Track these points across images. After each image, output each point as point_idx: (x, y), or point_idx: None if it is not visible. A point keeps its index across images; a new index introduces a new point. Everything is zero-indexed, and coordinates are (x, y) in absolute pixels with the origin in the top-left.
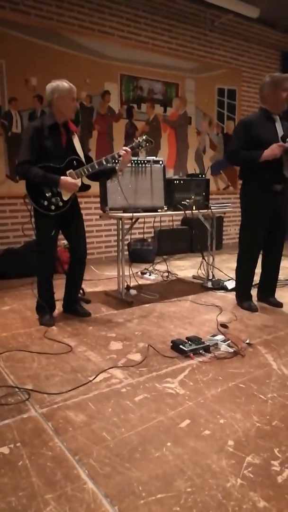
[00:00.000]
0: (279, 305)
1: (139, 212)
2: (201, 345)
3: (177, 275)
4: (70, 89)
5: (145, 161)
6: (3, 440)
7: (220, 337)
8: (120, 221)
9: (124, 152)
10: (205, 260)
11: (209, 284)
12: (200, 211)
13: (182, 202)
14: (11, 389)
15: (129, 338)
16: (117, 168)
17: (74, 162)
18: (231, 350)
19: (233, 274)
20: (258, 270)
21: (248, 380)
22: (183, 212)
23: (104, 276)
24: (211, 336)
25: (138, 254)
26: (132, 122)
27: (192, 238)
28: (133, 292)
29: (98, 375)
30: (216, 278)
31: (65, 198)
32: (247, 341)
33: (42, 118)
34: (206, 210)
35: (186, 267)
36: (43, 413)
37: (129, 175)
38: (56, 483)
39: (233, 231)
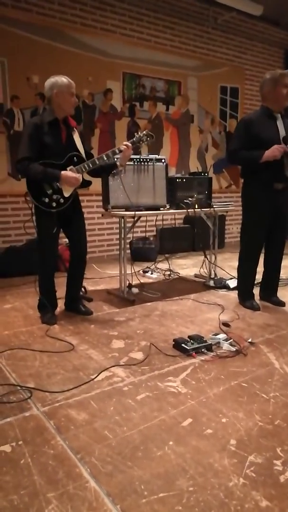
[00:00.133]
0: (282, 304)
1: (141, 210)
2: (203, 344)
3: (179, 273)
4: (69, 84)
5: (148, 159)
6: (5, 438)
7: (222, 336)
8: (122, 220)
9: (125, 147)
10: (207, 259)
11: (211, 283)
12: (203, 209)
13: (185, 201)
14: (13, 387)
15: (131, 337)
16: (118, 163)
17: (75, 158)
18: (233, 349)
19: (235, 273)
20: (261, 269)
21: (251, 379)
22: (185, 210)
23: (106, 275)
24: (213, 335)
25: (140, 253)
26: (135, 120)
27: (194, 237)
28: (135, 290)
29: (100, 373)
30: (218, 277)
31: (66, 194)
32: (249, 340)
33: (42, 115)
34: (208, 209)
35: (188, 266)
36: (45, 411)
37: (131, 173)
38: (58, 482)
39: (235, 229)
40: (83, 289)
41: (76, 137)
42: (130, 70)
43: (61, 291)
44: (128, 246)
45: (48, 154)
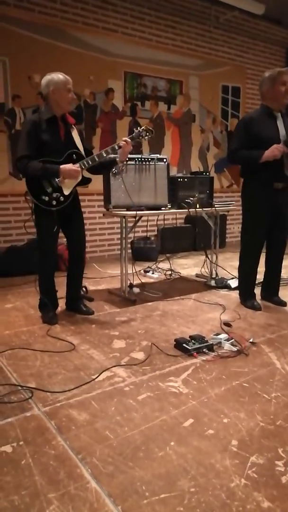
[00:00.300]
0: (283, 303)
1: (142, 210)
2: (205, 344)
3: (180, 273)
4: (66, 80)
5: (149, 159)
6: (6, 438)
7: (223, 335)
8: (124, 219)
9: (124, 143)
10: (209, 259)
11: (213, 283)
12: (204, 209)
13: (186, 200)
14: (14, 387)
15: (132, 337)
16: (117, 159)
17: (74, 155)
18: (235, 349)
19: (236, 273)
20: (262, 268)
21: (252, 379)
22: (186, 210)
23: (107, 274)
24: (215, 334)
25: (141, 252)
26: (136, 119)
27: (195, 236)
28: (136, 290)
29: (101, 373)
30: (219, 277)
31: (66, 192)
32: (251, 340)
33: (40, 112)
34: (209, 208)
35: (189, 266)
36: (46, 411)
37: (132, 173)
38: (59, 482)
39: (237, 229)
40: (84, 289)
41: (75, 134)
42: (131, 69)
43: (62, 291)
44: (129, 245)
45: (47, 151)
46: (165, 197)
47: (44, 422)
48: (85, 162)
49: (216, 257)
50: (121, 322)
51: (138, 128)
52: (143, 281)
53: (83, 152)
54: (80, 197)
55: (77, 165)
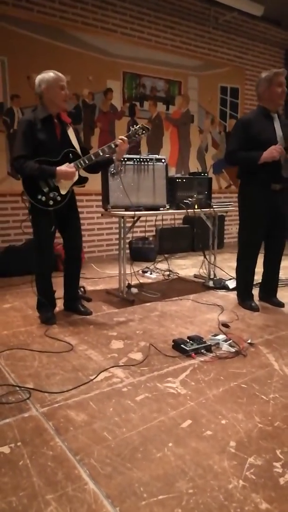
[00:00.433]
0: (281, 305)
1: (141, 210)
2: (203, 345)
3: (179, 274)
4: (57, 77)
5: (148, 159)
6: (3, 439)
7: (221, 336)
8: (122, 220)
9: (121, 141)
10: (207, 259)
11: (211, 283)
12: (202, 209)
13: (184, 201)
14: (11, 388)
15: (130, 337)
16: (114, 158)
17: (70, 154)
18: (233, 349)
19: (234, 274)
20: (259, 269)
21: (250, 380)
22: (185, 210)
23: (105, 275)
24: (213, 335)
25: (140, 253)
26: (135, 120)
27: (193, 237)
28: (134, 290)
29: (99, 374)
30: (217, 277)
31: (63, 192)
32: (249, 341)
33: (35, 112)
34: (208, 209)
35: (187, 266)
36: (44, 412)
37: (131, 173)
38: (57, 483)
39: (235, 230)
40: (82, 289)
41: (71, 133)
42: (130, 69)
43: (60, 291)
44: (127, 246)
45: (43, 151)
46: (163, 197)
47: (42, 423)
48: (81, 161)
49: (214, 258)
50: (119, 323)
51: (134, 126)
52: (141, 281)
53: (79, 151)
54: (78, 197)
55: (73, 165)
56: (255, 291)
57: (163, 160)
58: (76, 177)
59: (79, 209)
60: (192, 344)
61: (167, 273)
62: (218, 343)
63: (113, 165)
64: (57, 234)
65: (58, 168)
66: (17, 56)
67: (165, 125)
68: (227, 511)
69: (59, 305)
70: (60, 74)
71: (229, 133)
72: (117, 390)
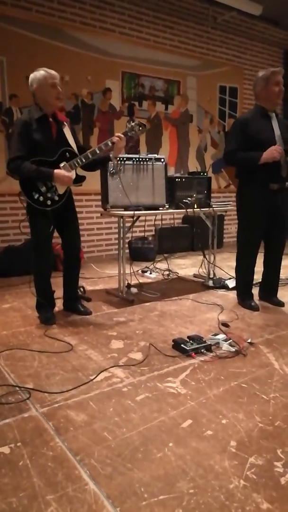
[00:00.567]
0: (281, 304)
1: (140, 210)
2: (203, 344)
3: (178, 273)
4: (48, 75)
5: (147, 159)
6: (3, 439)
7: (221, 336)
8: (121, 219)
9: (117, 138)
10: (206, 259)
11: (210, 283)
12: (202, 209)
13: (184, 200)
14: (11, 388)
15: (130, 337)
16: (111, 156)
17: (67, 153)
18: (233, 349)
19: (233, 273)
20: (259, 268)
21: (250, 379)
22: (184, 210)
23: (105, 274)
24: (213, 335)
25: (139, 252)
26: (133, 119)
27: (193, 237)
28: (134, 290)
29: (99, 374)
30: (217, 277)
31: (60, 192)
32: (249, 341)
33: (30, 112)
34: (207, 208)
35: (187, 266)
36: (44, 412)
37: (130, 172)
38: (57, 484)
39: (234, 229)
40: (81, 289)
41: (67, 132)
42: (129, 69)
43: (59, 291)
44: (127, 245)
45: (40, 151)
46: (163, 197)
47: (42, 423)
48: (78, 160)
49: (214, 257)
50: (119, 323)
51: (131, 122)
52: (140, 281)
53: (76, 150)
54: (78, 197)
55: (71, 172)
56: (255, 291)
57: (162, 160)
58: (73, 177)
59: (79, 209)
60: (192, 344)
61: (167, 272)
62: (218, 343)
63: (112, 164)
64: (56, 234)
65: (56, 171)
66: (16, 55)
67: (164, 124)
68: (228, 511)
69: (59, 305)
70: (51, 71)
71: (228, 133)
72: (117, 390)
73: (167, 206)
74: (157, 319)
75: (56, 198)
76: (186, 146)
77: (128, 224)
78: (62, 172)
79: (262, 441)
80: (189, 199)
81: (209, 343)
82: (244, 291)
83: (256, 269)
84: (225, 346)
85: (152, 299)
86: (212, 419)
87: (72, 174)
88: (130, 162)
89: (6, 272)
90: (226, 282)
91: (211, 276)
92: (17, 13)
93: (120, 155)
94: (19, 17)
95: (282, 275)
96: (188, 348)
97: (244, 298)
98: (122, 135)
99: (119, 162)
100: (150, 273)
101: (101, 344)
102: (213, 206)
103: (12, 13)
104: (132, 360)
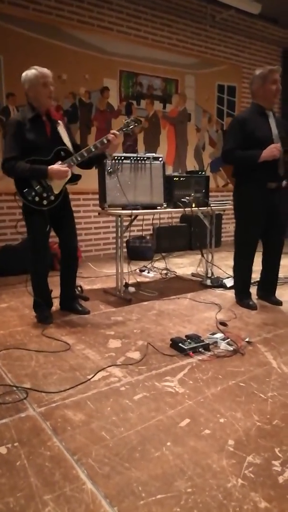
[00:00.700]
0: (279, 303)
1: (138, 209)
2: (201, 343)
3: (176, 272)
4: (39, 74)
5: (145, 158)
6: (0, 439)
7: (219, 335)
8: (119, 218)
9: (113, 136)
10: (204, 258)
11: (208, 282)
12: (200, 208)
13: (182, 199)
14: (8, 388)
15: (128, 336)
16: (106, 153)
17: (62, 152)
18: (231, 348)
19: (231, 272)
20: (257, 267)
21: (248, 378)
22: (182, 209)
23: (103, 274)
24: (211, 334)
25: (137, 252)
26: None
27: (191, 236)
28: (131, 289)
29: (96, 373)
30: (215, 276)
31: (56, 191)
32: (247, 339)
33: (23, 111)
34: (205, 207)
35: (185, 265)
36: (41, 412)
37: (128, 171)
38: (54, 484)
39: (232, 228)
40: (79, 288)
41: (62, 131)
42: (127, 68)
43: (57, 290)
44: (124, 244)
45: (34, 150)
46: (160, 196)
47: (39, 423)
48: (74, 159)
49: (212, 256)
50: (117, 322)
51: (126, 118)
52: (138, 280)
53: (71, 148)
54: (75, 196)
55: (66, 165)
56: (253, 290)
57: (160, 159)
58: (70, 175)
59: (76, 208)
60: (190, 343)
61: (165, 272)
62: (216, 342)
63: (109, 163)
64: (53, 233)
65: (50, 167)
66: (13, 54)
67: (162, 123)
68: (226, 510)
69: (56, 304)
70: (43, 70)
71: (226, 132)
72: (114, 389)
73: (165, 205)
74: (155, 318)
75: (52, 197)
76: (184, 145)
77: (126, 223)
78: (56, 166)
79: (260, 440)
80: (187, 198)
81: (207, 342)
82: (242, 290)
83: (254, 268)
84: (223, 345)
85: (150, 298)
86: (210, 418)
87: (69, 172)
88: (128, 161)
89: (3, 271)
90: (224, 281)
91: (209, 275)
92: (14, 11)
93: (118, 154)
94: (16, 15)
95: (281, 274)
96: (186, 347)
97: (242, 297)
98: (117, 132)
99: (115, 161)
100: (148, 272)
101: (98, 344)
102: (211, 205)
103: (9, 11)
104: (130, 359)
